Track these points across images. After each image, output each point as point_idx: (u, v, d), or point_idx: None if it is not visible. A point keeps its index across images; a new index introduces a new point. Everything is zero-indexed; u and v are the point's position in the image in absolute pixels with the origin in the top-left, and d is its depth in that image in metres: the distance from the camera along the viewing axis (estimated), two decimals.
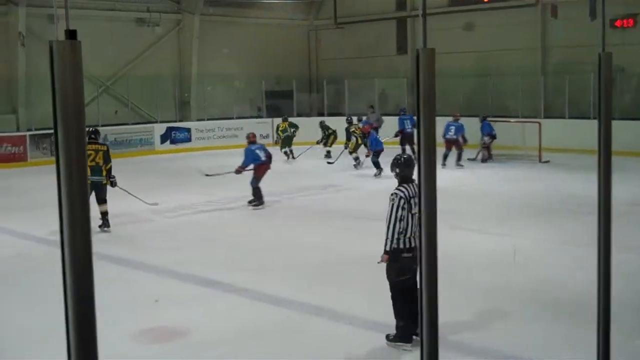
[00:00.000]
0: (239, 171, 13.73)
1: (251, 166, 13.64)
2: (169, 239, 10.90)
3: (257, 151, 13.91)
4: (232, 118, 25.69)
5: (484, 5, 24.56)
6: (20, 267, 9.31)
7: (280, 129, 22.25)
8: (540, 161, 19.16)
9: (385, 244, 6.06)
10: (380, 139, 18.13)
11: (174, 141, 24.50)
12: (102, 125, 22.86)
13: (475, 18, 24.88)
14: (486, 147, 19.41)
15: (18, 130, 22.57)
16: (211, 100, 26.50)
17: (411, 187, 6.14)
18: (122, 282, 8.19)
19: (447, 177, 15.80)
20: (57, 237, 1.90)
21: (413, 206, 5.99)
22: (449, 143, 18.59)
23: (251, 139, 14.23)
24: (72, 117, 1.89)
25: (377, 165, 17.07)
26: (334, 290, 7.80)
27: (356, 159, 18.72)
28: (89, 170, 11.17)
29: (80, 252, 1.86)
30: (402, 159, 6.41)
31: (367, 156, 17.95)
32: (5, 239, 11.16)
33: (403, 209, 6.00)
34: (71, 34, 1.93)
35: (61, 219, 1.86)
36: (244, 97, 27.35)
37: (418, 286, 2.63)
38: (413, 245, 6.02)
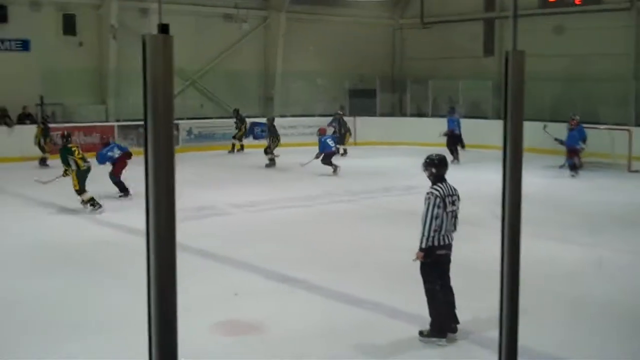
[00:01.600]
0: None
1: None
2: (248, 233, 11.04)
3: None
4: (314, 115, 25.79)
5: (575, 8, 23.93)
6: (108, 254, 9.59)
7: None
8: (629, 170, 18.54)
9: (421, 242, 6.25)
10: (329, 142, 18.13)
11: (256, 136, 24.77)
12: (187, 119, 23.36)
13: (566, 21, 24.23)
14: (576, 154, 18.59)
15: (107, 120, 23.24)
16: (294, 97, 26.69)
17: (445, 186, 6.35)
18: (202, 274, 8.32)
19: (532, 183, 15.46)
20: (144, 226, 1.94)
21: (448, 204, 6.25)
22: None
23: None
24: (161, 109, 1.93)
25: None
26: (412, 292, 7.73)
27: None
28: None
29: (165, 242, 1.90)
30: (437, 158, 6.54)
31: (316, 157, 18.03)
32: (93, 226, 11.51)
33: (439, 207, 6.19)
34: (164, 28, 1.98)
35: (147, 209, 1.90)
36: (327, 95, 27.42)
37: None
38: (447, 242, 6.29)
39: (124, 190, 13.97)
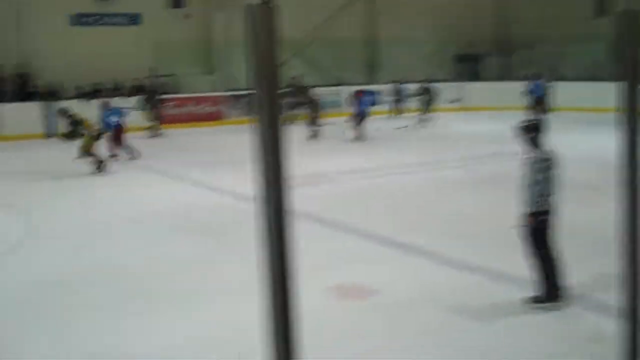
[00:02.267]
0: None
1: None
2: (358, 200, 11.09)
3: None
4: (420, 81, 25.48)
5: None
6: (220, 219, 9.85)
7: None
8: None
9: (527, 207, 6.18)
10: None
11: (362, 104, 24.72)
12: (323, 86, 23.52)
13: None
14: None
15: (215, 90, 23.76)
16: (400, 64, 26.45)
17: (544, 150, 6.25)
18: (314, 240, 8.41)
19: None
20: (254, 192, 1.98)
21: (548, 169, 6.18)
22: None
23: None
24: (267, 79, 1.95)
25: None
26: (519, 258, 7.60)
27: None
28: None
29: (278, 209, 1.93)
30: (533, 123, 6.44)
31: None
32: (204, 192, 11.84)
33: (540, 172, 6.14)
34: None
35: (258, 175, 1.94)
36: (433, 60, 27.03)
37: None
38: (549, 207, 6.20)
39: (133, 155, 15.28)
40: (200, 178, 12.96)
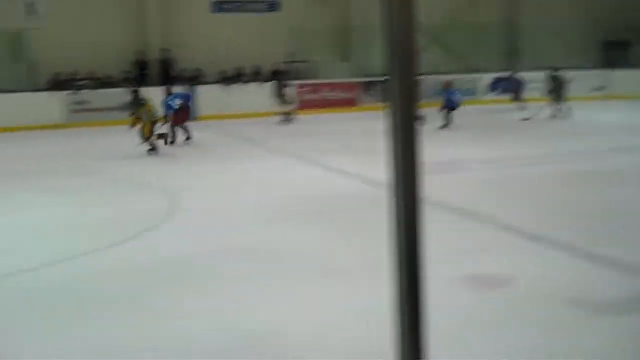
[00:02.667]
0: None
1: None
2: (494, 189, 10.86)
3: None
4: (563, 68, 24.52)
5: None
6: (352, 204, 9.92)
7: None
8: None
9: None
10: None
11: (493, 89, 24.19)
12: (428, 74, 23.33)
13: None
14: None
15: (351, 76, 23.87)
16: (542, 50, 25.58)
17: None
18: (448, 228, 8.33)
19: None
20: (386, 179, 1.98)
21: None
22: None
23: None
24: (403, 65, 1.94)
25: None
26: None
27: None
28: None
29: (410, 196, 1.93)
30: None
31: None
32: (337, 177, 11.95)
33: None
34: None
35: (391, 163, 1.94)
36: (578, 47, 25.98)
37: None
38: None
39: (188, 137, 15.98)
40: (332, 163, 13.08)
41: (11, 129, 18.88)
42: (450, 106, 17.96)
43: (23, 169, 13.52)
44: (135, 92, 15.13)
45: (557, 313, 5.95)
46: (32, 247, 8.22)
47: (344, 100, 23.04)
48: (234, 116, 20.97)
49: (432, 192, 9.22)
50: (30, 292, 6.63)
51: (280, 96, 20.47)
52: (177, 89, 17.99)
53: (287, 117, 20.28)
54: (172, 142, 15.72)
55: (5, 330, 5.72)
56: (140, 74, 22.05)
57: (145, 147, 14.53)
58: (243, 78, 22.29)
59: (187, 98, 16.78)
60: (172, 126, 15.95)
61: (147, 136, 14.51)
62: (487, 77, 24.45)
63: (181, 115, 16.16)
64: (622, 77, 24.28)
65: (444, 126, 17.95)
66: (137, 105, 14.73)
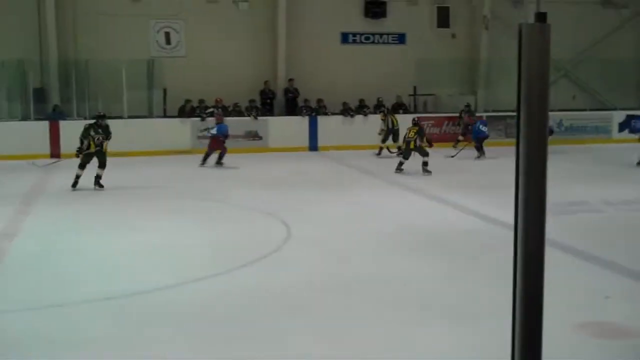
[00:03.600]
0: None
1: None
2: (620, 233, 10.36)
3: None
4: None
5: None
6: (471, 242, 9.72)
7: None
8: None
9: None
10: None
11: (633, 130, 23.20)
12: (558, 110, 22.65)
13: None
14: None
15: (476, 111, 23.53)
16: None
17: None
18: (569, 273, 8.00)
19: None
20: (509, 218, 1.91)
21: None
22: None
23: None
24: (536, 99, 1.87)
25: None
26: None
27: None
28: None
29: (534, 235, 1.85)
30: None
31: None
32: (460, 214, 11.73)
33: None
34: (541, 17, 1.92)
35: (517, 200, 1.86)
36: None
37: None
38: None
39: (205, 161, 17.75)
40: (451, 198, 12.88)
41: (145, 153, 19.70)
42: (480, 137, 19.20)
43: (150, 191, 14.08)
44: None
45: None
46: (156, 268, 8.49)
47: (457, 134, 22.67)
48: (354, 147, 20.99)
49: (558, 233, 8.94)
50: (145, 312, 6.83)
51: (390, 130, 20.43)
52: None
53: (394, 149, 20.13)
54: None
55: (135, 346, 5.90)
56: (263, 103, 22.57)
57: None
58: (365, 110, 22.40)
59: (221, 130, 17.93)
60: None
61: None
62: (619, 115, 23.51)
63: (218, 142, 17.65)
64: None
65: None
66: None
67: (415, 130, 16.40)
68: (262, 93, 22.70)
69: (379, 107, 22.55)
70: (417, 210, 12.18)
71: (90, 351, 5.76)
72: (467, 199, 12.76)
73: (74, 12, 21.66)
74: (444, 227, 10.62)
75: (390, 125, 20.46)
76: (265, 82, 22.69)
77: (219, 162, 17.63)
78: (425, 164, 15.96)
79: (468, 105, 22.22)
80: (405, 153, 16.39)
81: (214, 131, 17.93)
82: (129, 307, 6.97)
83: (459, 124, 22.03)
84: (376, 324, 6.44)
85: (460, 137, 21.08)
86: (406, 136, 16.59)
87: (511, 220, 1.93)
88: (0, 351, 5.76)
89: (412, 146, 16.14)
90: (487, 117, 22.36)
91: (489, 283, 7.37)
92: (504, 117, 22.07)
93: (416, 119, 17.54)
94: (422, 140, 16.36)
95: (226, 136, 17.85)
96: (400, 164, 16.31)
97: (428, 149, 16.29)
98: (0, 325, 6.42)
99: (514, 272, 1.84)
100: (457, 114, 22.22)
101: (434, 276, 8.01)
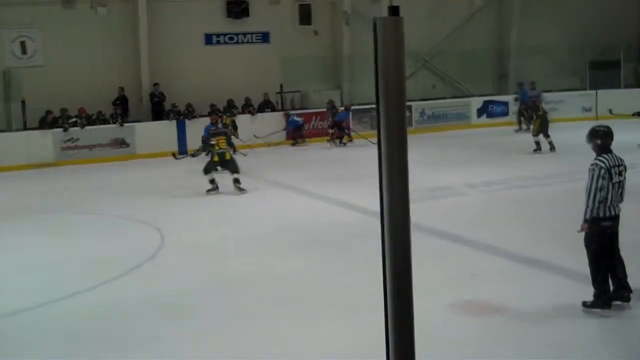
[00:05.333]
0: None
1: None
2: (485, 214, 10.87)
3: None
4: (551, 90, 24.63)
5: None
6: (342, 234, 9.90)
7: None
8: None
9: (585, 213, 6.29)
10: None
11: (490, 115, 24.30)
12: (420, 100, 23.43)
13: None
14: None
15: (342, 105, 23.95)
16: (530, 73, 25.74)
17: (611, 157, 6.35)
18: (438, 255, 8.33)
19: None
20: (377, 207, 1.97)
21: (614, 175, 6.29)
22: None
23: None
24: (393, 91, 1.93)
25: None
26: None
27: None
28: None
29: (399, 223, 1.91)
30: (601, 130, 6.53)
31: None
32: (327, 207, 11.93)
33: (603, 178, 6.24)
34: (394, 11, 1.98)
35: (381, 189, 1.92)
36: (565, 69, 26.17)
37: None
38: (613, 213, 6.32)
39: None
40: (323, 192, 13.07)
41: (5, 169, 18.81)
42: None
43: (14, 208, 13.47)
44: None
45: (552, 336, 5.91)
46: (30, 286, 8.16)
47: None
48: None
49: (424, 218, 9.26)
50: (29, 330, 6.57)
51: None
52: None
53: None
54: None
55: None
56: (123, 109, 21.87)
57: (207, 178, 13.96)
58: (234, 110, 22.32)
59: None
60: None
61: (207, 172, 13.95)
62: (477, 101, 24.58)
63: None
64: (608, 96, 24.39)
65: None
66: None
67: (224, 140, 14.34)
68: (117, 100, 21.96)
69: (247, 107, 22.53)
70: (289, 206, 12.28)
71: None
72: (335, 190, 13.00)
73: None
74: (315, 221, 10.77)
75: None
76: (119, 89, 21.99)
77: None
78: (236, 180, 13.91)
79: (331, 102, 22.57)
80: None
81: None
82: (4, 329, 6.68)
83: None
84: (256, 322, 6.46)
85: (330, 130, 21.48)
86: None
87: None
88: None
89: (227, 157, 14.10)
90: (354, 109, 22.79)
91: (361, 271, 7.54)
92: (370, 110, 22.55)
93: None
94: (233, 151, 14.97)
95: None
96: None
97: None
98: None
99: (382, 258, 1.91)
100: (324, 110, 22.52)
101: (310, 271, 8.12)
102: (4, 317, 6.95)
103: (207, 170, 13.84)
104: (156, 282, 7.95)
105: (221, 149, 13.90)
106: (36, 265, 9.04)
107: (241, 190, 13.61)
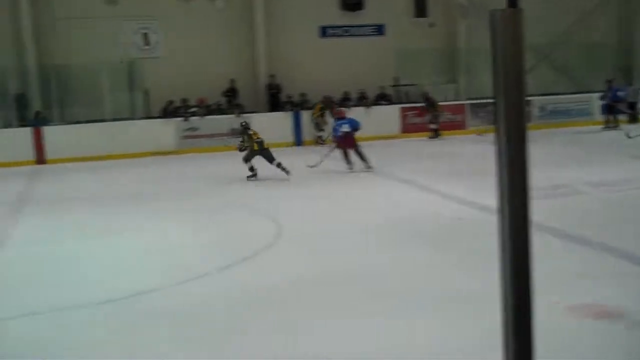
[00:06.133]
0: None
1: None
2: (605, 214, 10.45)
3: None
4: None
5: None
6: (460, 231, 9.75)
7: None
8: None
9: None
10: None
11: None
12: (539, 95, 22.79)
13: None
14: None
15: (457, 99, 23.61)
16: None
17: None
18: (556, 254, 8.07)
19: None
20: (492, 204, 1.92)
21: None
22: None
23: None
24: (512, 86, 1.88)
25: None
26: None
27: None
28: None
29: (519, 220, 1.86)
30: None
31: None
32: (447, 203, 11.78)
33: None
34: (513, 2, 1.92)
35: (500, 187, 1.88)
36: None
37: None
38: None
39: (349, 163, 15.30)
40: (438, 187, 12.91)
41: (128, 155, 19.64)
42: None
43: (138, 193, 14.04)
44: (244, 125, 15.65)
45: None
46: (150, 268, 8.48)
47: (451, 123, 22.78)
48: None
49: (543, 216, 8.98)
50: (139, 313, 6.82)
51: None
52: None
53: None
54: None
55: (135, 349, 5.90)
56: (229, 101, 22.32)
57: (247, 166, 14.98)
58: (348, 103, 22.41)
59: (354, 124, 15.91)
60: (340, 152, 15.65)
61: (246, 160, 14.96)
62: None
63: (345, 141, 15.60)
64: None
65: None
66: (243, 134, 15.27)
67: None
68: (228, 91, 22.48)
69: (361, 100, 22.59)
70: (405, 201, 12.19)
71: (88, 355, 5.75)
72: (449, 185, 12.81)
73: (51, 17, 21.50)
74: (433, 217, 10.65)
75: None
76: (230, 80, 22.49)
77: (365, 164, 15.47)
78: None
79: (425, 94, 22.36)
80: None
81: (345, 128, 15.53)
82: (126, 310, 6.94)
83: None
84: (367, 317, 6.44)
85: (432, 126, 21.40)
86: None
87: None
88: None
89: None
90: (470, 105, 22.44)
91: (476, 268, 7.40)
92: (487, 105, 22.14)
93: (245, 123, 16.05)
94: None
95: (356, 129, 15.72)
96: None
97: None
98: None
99: (501, 259, 1.86)
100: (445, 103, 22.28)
101: (427, 267, 8.04)
102: (116, 300, 7.21)
103: (248, 159, 14.96)
104: (266, 273, 8.06)
105: (259, 138, 15.03)
106: (155, 250, 9.37)
107: (286, 172, 14.66)
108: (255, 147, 14.90)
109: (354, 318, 6.38)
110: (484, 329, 4.99)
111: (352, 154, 15.48)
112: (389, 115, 22.33)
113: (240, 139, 15.27)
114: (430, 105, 21.95)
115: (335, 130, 15.85)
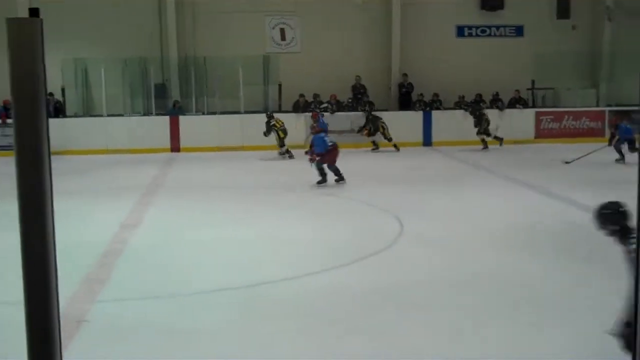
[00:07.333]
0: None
1: None
2: None
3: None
4: None
5: None
6: (579, 237, 9.33)
7: None
8: None
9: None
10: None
11: None
12: None
13: None
14: None
15: (597, 105, 22.64)
16: None
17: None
18: None
19: None
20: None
21: None
22: None
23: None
24: None
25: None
26: None
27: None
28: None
29: None
30: (616, 207, 4.79)
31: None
32: (569, 209, 11.30)
33: None
34: None
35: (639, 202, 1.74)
36: None
37: None
38: None
39: (338, 176, 14.03)
40: (566, 194, 12.40)
41: (260, 148, 20.00)
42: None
43: (267, 184, 14.30)
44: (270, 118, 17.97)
45: None
46: (279, 261, 8.60)
47: (590, 129, 21.86)
48: (466, 143, 20.56)
49: None
50: (254, 302, 6.92)
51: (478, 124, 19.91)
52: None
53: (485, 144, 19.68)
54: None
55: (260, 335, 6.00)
56: (355, 98, 22.28)
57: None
58: (482, 105, 21.93)
59: None
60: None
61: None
62: None
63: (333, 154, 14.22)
64: None
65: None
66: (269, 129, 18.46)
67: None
68: (354, 88, 22.49)
69: (495, 102, 22.07)
70: (526, 206, 11.78)
71: (205, 341, 5.88)
72: (592, 197, 12.26)
73: (193, 11, 22.33)
74: (558, 223, 10.26)
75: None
76: (356, 77, 22.49)
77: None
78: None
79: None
80: None
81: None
82: (245, 298, 7.07)
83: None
84: (492, 323, 6.26)
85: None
86: None
87: None
88: (117, 338, 5.96)
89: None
90: (609, 111, 21.49)
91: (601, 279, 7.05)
92: (630, 112, 21.10)
93: None
94: None
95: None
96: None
97: None
98: (118, 313, 6.64)
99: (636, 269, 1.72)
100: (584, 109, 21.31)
101: (541, 273, 7.75)
102: (234, 289, 7.33)
103: (281, 144, 18.61)
104: (385, 272, 7.99)
105: (282, 126, 18.56)
106: (280, 241, 9.49)
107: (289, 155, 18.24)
108: (281, 134, 17.87)
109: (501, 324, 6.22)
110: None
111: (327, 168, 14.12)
112: (523, 119, 21.72)
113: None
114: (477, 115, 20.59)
115: (320, 143, 14.11)
